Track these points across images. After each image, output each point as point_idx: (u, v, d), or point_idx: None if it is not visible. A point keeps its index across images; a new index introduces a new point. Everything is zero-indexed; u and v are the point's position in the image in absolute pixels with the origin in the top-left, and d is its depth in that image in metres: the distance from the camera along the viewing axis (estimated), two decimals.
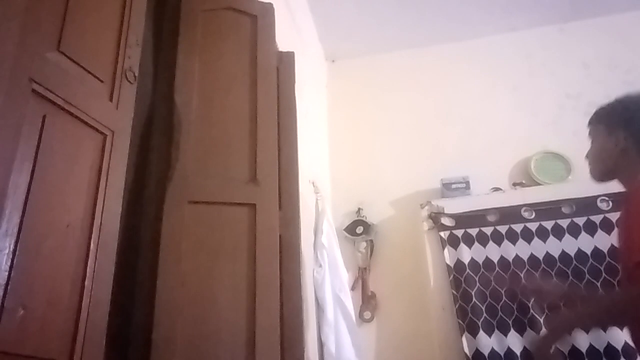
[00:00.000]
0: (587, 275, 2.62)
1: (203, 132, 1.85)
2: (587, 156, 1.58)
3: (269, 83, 2.05)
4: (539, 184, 3.04)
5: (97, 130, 1.23)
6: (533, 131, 3.26)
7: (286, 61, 2.34)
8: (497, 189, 3.05)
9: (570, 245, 2.71)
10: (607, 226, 2.69)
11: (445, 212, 2.95)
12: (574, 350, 2.48)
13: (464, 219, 2.91)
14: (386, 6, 3.41)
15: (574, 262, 2.67)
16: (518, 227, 2.83)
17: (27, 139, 1.02)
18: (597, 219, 2.73)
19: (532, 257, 2.73)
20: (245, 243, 1.74)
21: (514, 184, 3.08)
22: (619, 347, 2.40)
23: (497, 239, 2.83)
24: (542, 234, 2.78)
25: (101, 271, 1.16)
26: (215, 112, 1.92)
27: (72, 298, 1.08)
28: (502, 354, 2.55)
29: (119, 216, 1.26)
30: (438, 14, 3.48)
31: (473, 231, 2.88)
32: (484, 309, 2.65)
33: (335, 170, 3.49)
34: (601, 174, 1.54)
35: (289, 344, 1.79)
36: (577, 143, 3.07)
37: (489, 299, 2.68)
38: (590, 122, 1.57)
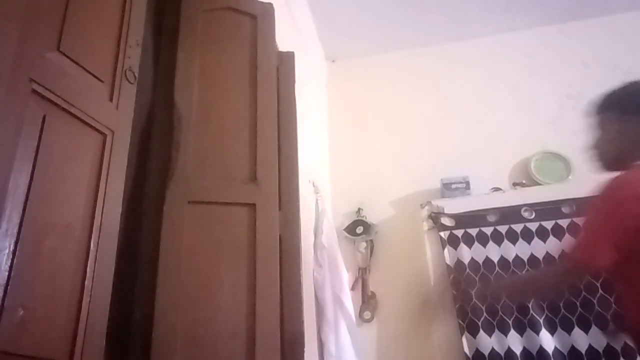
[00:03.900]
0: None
1: (203, 132, 1.85)
2: (595, 146, 1.52)
3: (269, 83, 2.05)
4: (539, 184, 3.04)
5: (97, 130, 1.23)
6: (533, 131, 3.26)
7: (286, 61, 2.34)
8: (497, 189, 3.05)
9: None
10: None
11: (445, 212, 2.96)
12: (574, 351, 2.49)
13: (464, 219, 2.91)
14: (386, 6, 3.41)
15: None
16: (518, 227, 2.83)
17: (27, 139, 1.02)
18: None
19: (532, 257, 2.74)
20: (245, 243, 1.74)
21: (514, 184, 3.08)
22: (619, 347, 2.40)
23: (497, 239, 2.83)
24: (542, 234, 2.78)
25: (101, 271, 1.16)
26: (215, 112, 1.91)
27: (72, 298, 1.08)
28: (502, 354, 2.55)
29: (119, 216, 1.26)
30: (438, 14, 3.48)
31: (473, 231, 2.88)
32: (484, 308, 2.65)
33: (335, 170, 3.49)
34: (615, 161, 1.47)
35: (289, 344, 1.79)
36: (577, 143, 3.09)
37: (489, 298, 2.68)
38: (600, 111, 1.52)
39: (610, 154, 1.49)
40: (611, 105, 1.50)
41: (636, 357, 1.48)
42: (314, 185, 2.82)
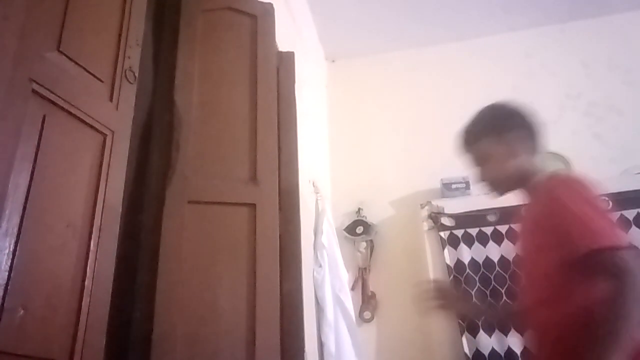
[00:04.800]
0: None
1: (203, 132, 1.85)
2: (488, 176, 1.50)
3: (269, 83, 2.05)
4: None
5: (97, 130, 1.23)
6: None
7: (286, 61, 2.34)
8: None
9: None
10: None
11: (445, 212, 2.95)
12: None
13: (464, 219, 2.91)
14: (386, 6, 3.41)
15: None
16: (518, 227, 2.82)
17: (27, 139, 1.02)
18: None
19: None
20: (245, 243, 1.74)
21: None
22: None
23: (497, 238, 2.83)
24: None
25: (101, 271, 1.16)
26: (215, 112, 1.92)
27: (72, 298, 1.08)
28: (502, 354, 2.55)
29: (119, 216, 1.26)
30: (438, 13, 3.48)
31: (473, 231, 2.88)
32: None
33: (335, 170, 3.48)
34: (509, 185, 1.49)
35: (289, 344, 1.79)
36: (576, 143, 3.10)
37: (489, 298, 2.68)
38: (474, 141, 1.53)
39: (510, 176, 1.47)
40: (485, 131, 1.52)
41: None
42: (314, 185, 2.82)
